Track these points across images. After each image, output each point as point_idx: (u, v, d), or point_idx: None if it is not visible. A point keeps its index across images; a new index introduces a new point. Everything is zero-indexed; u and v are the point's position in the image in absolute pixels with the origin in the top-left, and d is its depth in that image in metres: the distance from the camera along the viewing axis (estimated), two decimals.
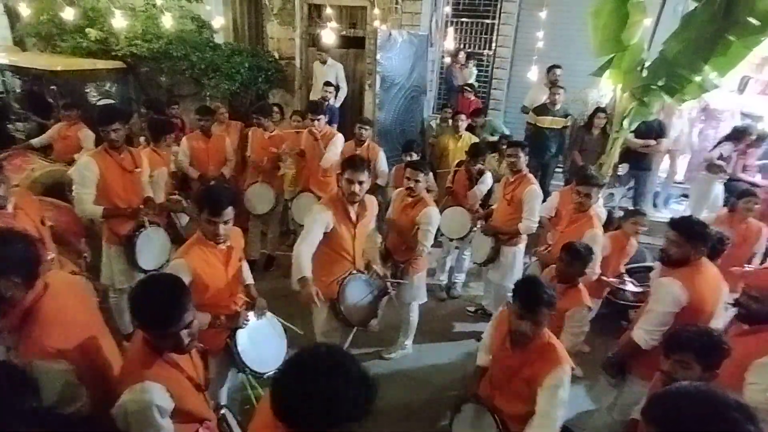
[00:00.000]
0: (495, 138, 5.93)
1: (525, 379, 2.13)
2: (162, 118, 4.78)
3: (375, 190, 4.68)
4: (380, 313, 4.03)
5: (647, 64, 4.18)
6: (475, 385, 2.42)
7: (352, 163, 2.78)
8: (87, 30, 6.39)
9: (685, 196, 6.22)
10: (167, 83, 6.96)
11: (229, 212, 2.29)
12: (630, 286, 3.82)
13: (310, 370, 1.21)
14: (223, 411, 2.07)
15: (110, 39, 6.45)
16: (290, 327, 2.73)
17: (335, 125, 5.71)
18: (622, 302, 3.91)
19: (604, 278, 3.60)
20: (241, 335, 2.43)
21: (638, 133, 5.18)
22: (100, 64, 6.52)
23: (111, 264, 3.38)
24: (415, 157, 4.47)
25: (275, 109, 5.31)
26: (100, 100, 6.32)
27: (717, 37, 3.77)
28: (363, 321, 2.95)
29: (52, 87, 5.95)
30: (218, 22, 6.12)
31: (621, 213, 5.01)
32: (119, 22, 4.94)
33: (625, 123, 4.42)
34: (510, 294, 2.18)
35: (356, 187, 2.75)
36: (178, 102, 6.09)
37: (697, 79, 3.92)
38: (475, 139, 5.40)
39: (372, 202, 3.08)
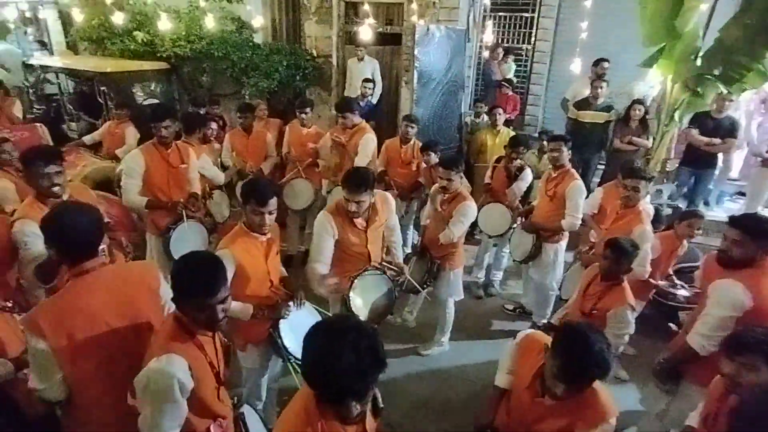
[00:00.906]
0: None
1: (557, 429, 1.78)
2: (195, 112, 4.92)
3: (419, 187, 4.65)
4: (406, 310, 4.06)
5: (702, 52, 3.94)
6: (492, 411, 2.10)
7: (347, 185, 2.66)
8: (134, 33, 6.66)
9: (741, 194, 5.85)
10: (208, 82, 7.16)
11: (274, 202, 2.34)
12: (681, 290, 3.62)
13: (322, 333, 1.36)
14: (242, 409, 2.02)
15: (155, 41, 6.70)
16: (328, 315, 2.75)
17: (372, 122, 5.71)
18: (671, 304, 3.72)
19: (653, 281, 3.41)
20: (283, 325, 2.45)
21: (706, 130, 4.79)
22: (146, 65, 6.78)
23: (153, 254, 3.51)
24: (433, 157, 4.39)
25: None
26: (145, 99, 6.55)
27: None
28: (376, 317, 2.87)
29: (102, 88, 6.22)
30: (258, 21, 6.23)
31: (669, 211, 4.79)
32: (164, 24, 5.11)
33: (677, 115, 4.19)
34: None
35: (353, 206, 2.68)
36: (219, 101, 6.25)
37: (759, 67, 3.66)
38: (511, 134, 5.28)
39: (385, 200, 3.00)
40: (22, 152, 2.65)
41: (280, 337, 2.40)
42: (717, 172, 5.97)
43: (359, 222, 2.81)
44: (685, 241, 3.51)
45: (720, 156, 5.74)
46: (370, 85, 5.87)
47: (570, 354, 1.64)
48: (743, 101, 5.38)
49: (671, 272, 3.64)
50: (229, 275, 2.24)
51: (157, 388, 1.55)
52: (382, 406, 1.65)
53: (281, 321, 2.45)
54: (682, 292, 3.58)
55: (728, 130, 4.85)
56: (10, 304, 2.09)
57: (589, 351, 1.61)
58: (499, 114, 5.25)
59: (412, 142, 4.64)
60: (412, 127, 4.61)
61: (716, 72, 3.84)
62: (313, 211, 4.91)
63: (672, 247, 3.43)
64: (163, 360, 1.56)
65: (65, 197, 2.61)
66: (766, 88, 5.05)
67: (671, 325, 3.45)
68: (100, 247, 2.13)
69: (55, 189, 2.50)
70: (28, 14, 8.18)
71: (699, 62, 3.93)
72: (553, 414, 1.78)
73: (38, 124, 5.60)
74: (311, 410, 1.41)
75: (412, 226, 5.06)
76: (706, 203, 5.79)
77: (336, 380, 1.28)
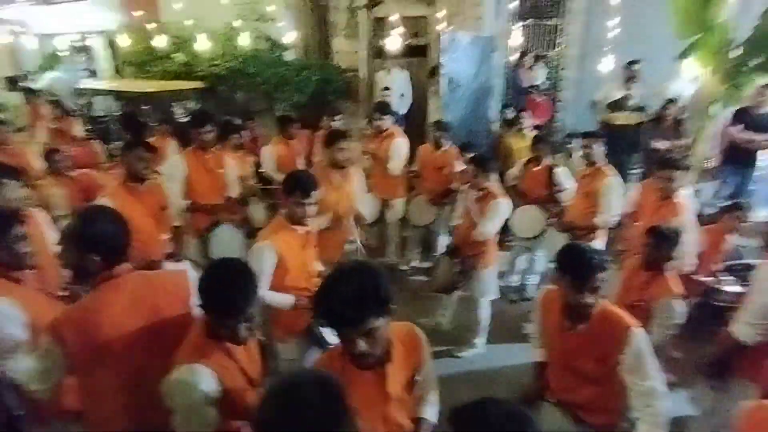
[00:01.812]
0: None
1: (594, 358, 1.92)
2: (231, 120, 5.13)
3: (450, 193, 4.67)
4: (439, 313, 4.01)
5: (740, 42, 3.83)
6: (536, 384, 2.21)
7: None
8: (174, 55, 7.03)
9: None
10: (242, 99, 7.45)
11: (316, 194, 2.42)
12: (729, 286, 3.45)
13: (336, 270, 1.45)
14: None
15: (193, 61, 7.05)
16: None
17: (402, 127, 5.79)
18: (719, 303, 3.55)
19: (697, 277, 3.28)
20: None
21: (747, 125, 4.58)
22: (184, 84, 7.13)
23: (190, 257, 3.64)
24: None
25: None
26: (184, 117, 6.87)
27: None
28: None
29: (144, 108, 6.58)
30: (289, 39, 6.47)
31: (711, 211, 4.61)
32: (201, 45, 5.41)
33: (713, 109, 4.07)
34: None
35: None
36: (253, 117, 6.49)
37: None
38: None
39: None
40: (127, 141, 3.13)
41: (319, 328, 2.44)
42: (763, 172, 5.74)
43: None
44: (728, 236, 3.38)
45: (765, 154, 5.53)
46: (388, 92, 5.95)
47: (571, 259, 1.90)
48: None
49: (717, 269, 3.50)
50: (270, 267, 2.33)
51: (181, 400, 1.53)
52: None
53: None
54: (731, 288, 3.41)
55: None
56: (66, 293, 2.20)
57: (580, 249, 1.94)
58: (524, 118, 5.24)
59: (445, 148, 4.66)
60: (443, 134, 4.66)
61: (758, 61, 3.72)
62: None
63: (716, 241, 3.31)
64: (184, 371, 1.51)
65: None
66: None
67: (720, 327, 3.28)
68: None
69: (145, 171, 2.93)
70: (78, 44, 8.80)
71: (735, 53, 3.82)
72: (587, 344, 1.92)
73: (94, 141, 5.98)
74: (337, 351, 1.53)
75: (445, 231, 5.06)
76: (753, 204, 5.53)
77: (331, 305, 1.34)
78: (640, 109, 5.26)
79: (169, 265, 2.88)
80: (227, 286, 1.54)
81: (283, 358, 2.67)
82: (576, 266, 1.86)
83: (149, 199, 2.94)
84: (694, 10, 3.77)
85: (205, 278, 1.58)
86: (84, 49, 8.81)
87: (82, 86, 7.73)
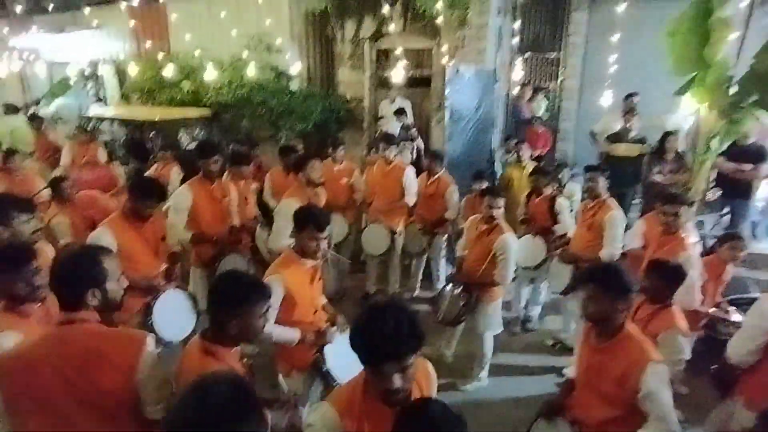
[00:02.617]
0: None
1: (613, 379, 1.97)
2: (237, 150, 5.20)
3: (444, 222, 4.69)
4: (443, 344, 3.97)
5: (736, 80, 3.94)
6: (559, 399, 2.29)
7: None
8: (182, 83, 7.17)
9: None
10: (247, 127, 7.56)
11: (330, 228, 2.45)
12: (734, 316, 3.43)
13: (369, 308, 1.46)
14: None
15: (200, 90, 7.18)
16: None
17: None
18: (723, 338, 3.52)
19: (701, 309, 3.27)
20: (328, 350, 2.47)
21: (733, 156, 4.74)
22: (191, 112, 7.25)
23: (196, 286, 3.63)
24: (486, 185, 4.45)
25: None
26: (190, 143, 6.97)
27: None
28: None
29: (150, 134, 6.68)
30: (295, 69, 6.62)
31: (711, 243, 4.63)
32: (209, 74, 5.53)
33: (713, 144, 4.14)
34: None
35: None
36: (258, 144, 6.58)
37: None
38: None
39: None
40: (135, 181, 3.18)
41: (325, 362, 2.42)
42: (764, 204, 5.79)
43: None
44: (729, 266, 3.39)
45: (765, 187, 5.60)
46: (383, 121, 6.06)
47: (595, 272, 2.05)
48: None
49: (721, 300, 3.49)
50: (278, 300, 2.33)
51: None
52: None
53: (326, 346, 2.47)
54: (736, 318, 3.39)
55: (756, 156, 4.76)
56: None
57: (609, 265, 2.15)
58: (523, 149, 5.30)
59: (437, 177, 4.70)
60: (438, 163, 4.72)
61: (752, 99, 3.82)
62: (348, 244, 4.99)
63: (717, 272, 3.32)
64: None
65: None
66: None
67: None
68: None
69: (150, 217, 2.95)
70: (87, 72, 8.99)
71: (733, 90, 3.91)
72: (609, 363, 1.99)
73: (114, 165, 6.08)
74: (358, 388, 1.51)
75: (443, 260, 5.06)
76: (754, 236, 5.56)
77: (374, 341, 1.35)
78: (640, 140, 5.34)
79: (168, 288, 2.91)
80: (239, 282, 1.75)
81: (287, 392, 2.64)
82: (617, 284, 1.96)
83: (149, 229, 2.93)
84: (692, 48, 3.88)
85: (217, 283, 1.76)
86: (93, 77, 8.99)
87: (90, 113, 7.85)
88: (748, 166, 4.79)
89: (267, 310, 1.77)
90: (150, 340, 1.64)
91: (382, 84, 7.38)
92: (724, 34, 3.73)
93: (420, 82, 7.32)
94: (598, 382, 2.05)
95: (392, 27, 5.96)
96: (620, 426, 1.99)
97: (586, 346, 2.14)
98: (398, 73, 4.85)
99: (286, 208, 3.11)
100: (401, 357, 1.36)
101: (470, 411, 3.47)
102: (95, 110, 7.99)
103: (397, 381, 1.37)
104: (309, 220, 2.40)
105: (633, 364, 1.92)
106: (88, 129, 6.83)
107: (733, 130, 3.99)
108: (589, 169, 3.85)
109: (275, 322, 2.37)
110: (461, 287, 3.58)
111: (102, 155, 6.23)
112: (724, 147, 4.29)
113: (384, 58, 7.41)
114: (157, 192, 2.94)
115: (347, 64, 7.35)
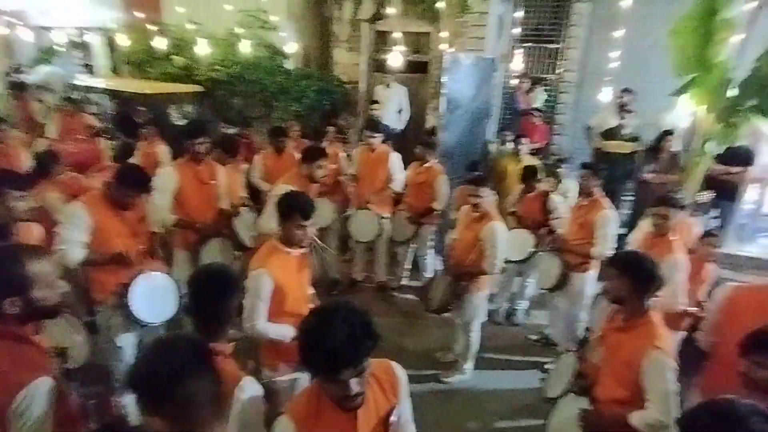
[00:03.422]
0: None
1: (625, 361, 2.09)
2: (233, 135, 5.07)
3: (431, 212, 4.65)
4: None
5: (736, 83, 3.90)
6: (590, 376, 2.37)
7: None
8: (173, 57, 6.98)
9: None
10: (239, 105, 7.41)
11: (314, 216, 2.38)
12: None
13: (316, 311, 1.44)
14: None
15: (193, 65, 7.00)
16: None
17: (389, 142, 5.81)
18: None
19: (684, 308, 3.28)
20: None
21: (722, 158, 4.77)
22: (182, 87, 7.07)
23: (179, 269, 3.56)
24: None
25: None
26: (180, 120, 6.81)
27: None
28: None
29: (139, 109, 6.51)
30: (290, 48, 6.47)
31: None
32: (202, 49, 5.37)
33: (708, 147, 4.12)
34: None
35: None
36: (251, 123, 6.45)
37: None
38: (532, 162, 5.27)
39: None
40: (122, 169, 2.91)
41: None
42: (752, 206, 5.84)
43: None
44: (710, 266, 3.41)
45: (756, 191, 5.63)
46: (377, 106, 5.95)
47: (643, 264, 2.14)
48: None
49: (704, 300, 3.50)
50: (267, 294, 2.28)
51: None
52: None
53: None
54: None
55: (744, 159, 4.82)
56: None
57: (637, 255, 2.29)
58: (523, 143, 5.26)
59: (428, 166, 4.64)
60: (429, 151, 4.66)
61: (751, 103, 3.79)
62: (332, 231, 4.93)
63: (696, 270, 3.32)
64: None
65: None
66: None
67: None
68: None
69: (131, 206, 2.81)
70: (76, 39, 8.71)
71: (732, 93, 3.88)
72: (624, 345, 2.12)
73: (101, 139, 5.90)
74: (313, 398, 1.47)
75: (431, 250, 5.04)
76: (741, 238, 5.61)
77: (328, 349, 1.29)
78: (634, 138, 5.32)
79: (149, 269, 2.83)
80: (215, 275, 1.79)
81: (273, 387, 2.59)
82: (646, 275, 2.11)
83: (128, 211, 2.81)
84: (694, 49, 3.82)
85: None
86: (81, 45, 8.71)
87: (77, 82, 7.62)
88: (736, 169, 4.82)
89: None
90: (46, 382, 1.46)
91: (378, 67, 7.25)
92: (726, 36, 3.67)
93: (417, 68, 7.20)
94: (613, 361, 2.19)
95: (391, 9, 5.81)
96: (627, 407, 2.08)
97: (611, 327, 2.28)
98: (396, 57, 4.74)
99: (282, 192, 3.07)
100: (358, 361, 1.33)
101: (452, 404, 3.52)
102: (83, 80, 7.76)
103: (355, 386, 1.35)
104: (295, 208, 2.34)
105: (640, 347, 2.04)
106: (75, 99, 6.65)
107: (730, 133, 3.97)
108: (584, 166, 3.81)
109: (268, 317, 2.32)
110: (449, 275, 3.56)
111: (93, 121, 6.07)
112: (720, 150, 4.27)
113: (382, 41, 7.26)
114: (141, 183, 2.81)
115: (344, 46, 7.20)
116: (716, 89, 3.87)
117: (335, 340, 1.29)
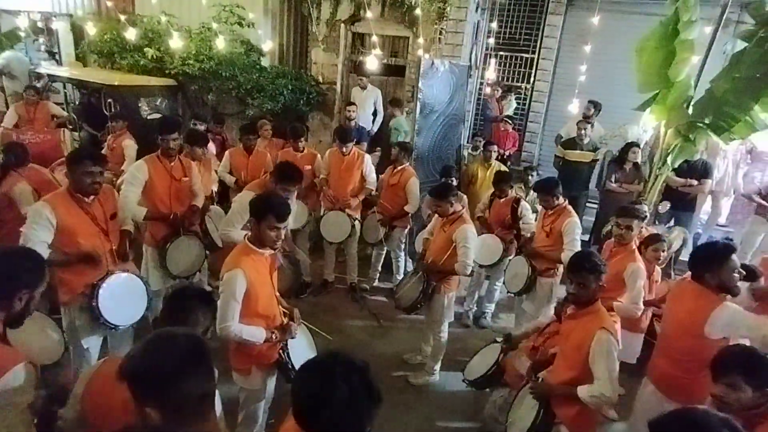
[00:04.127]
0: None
1: (576, 344, 2.30)
2: (199, 130, 4.97)
3: (404, 215, 4.71)
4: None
5: (693, 101, 4.13)
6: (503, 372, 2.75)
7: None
8: (145, 49, 6.80)
9: (729, 239, 5.97)
10: (213, 101, 7.29)
11: (289, 218, 2.38)
12: None
13: (311, 370, 1.26)
14: None
15: (165, 58, 6.84)
16: (321, 333, 2.77)
17: (364, 144, 5.86)
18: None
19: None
20: (291, 345, 2.46)
21: (681, 172, 5.04)
22: (154, 80, 6.90)
23: (147, 265, 3.50)
24: (455, 181, 4.49)
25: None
26: (150, 114, 6.64)
27: (767, 77, 3.72)
28: None
29: (108, 100, 6.31)
30: (267, 46, 6.41)
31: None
32: (176, 42, 5.24)
33: (669, 159, 4.34)
34: None
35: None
36: (224, 120, 6.35)
37: (746, 118, 3.85)
38: (503, 168, 5.42)
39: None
40: (70, 152, 2.85)
41: (290, 359, 2.40)
42: (706, 217, 6.18)
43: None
44: (659, 268, 3.61)
45: (708, 202, 5.97)
46: (353, 107, 5.96)
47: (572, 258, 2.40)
48: (731, 151, 5.61)
49: (652, 300, 3.67)
50: (240, 294, 2.27)
51: None
52: None
53: (289, 341, 2.45)
54: None
55: (701, 172, 5.09)
56: None
57: (585, 253, 2.51)
58: (493, 150, 5.39)
59: (402, 169, 4.69)
60: (404, 154, 4.72)
61: (707, 121, 4.02)
62: (304, 232, 4.91)
63: (647, 273, 3.50)
64: None
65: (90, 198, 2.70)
66: (752, 138, 5.28)
67: None
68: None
69: (95, 186, 2.62)
70: (40, 24, 8.35)
71: (691, 110, 4.11)
72: (573, 330, 2.34)
73: (63, 129, 5.66)
74: None
75: (404, 254, 5.10)
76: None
77: (331, 420, 1.17)
78: (594, 149, 5.58)
79: (118, 270, 2.77)
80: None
81: (243, 389, 2.57)
82: (571, 262, 2.39)
83: (97, 206, 2.70)
84: (656, 68, 4.02)
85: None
86: (46, 31, 8.36)
87: (41, 70, 7.32)
88: (694, 182, 5.10)
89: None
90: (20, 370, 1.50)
91: (356, 69, 7.27)
92: (686, 56, 3.89)
93: (394, 71, 7.26)
94: (565, 346, 2.41)
95: (370, 12, 5.85)
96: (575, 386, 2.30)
97: (563, 316, 2.51)
98: (372, 61, 4.77)
99: (247, 199, 3.00)
100: (365, 426, 1.20)
101: (420, 403, 3.57)
102: (47, 68, 7.46)
103: None
104: (269, 210, 2.32)
105: (590, 330, 2.25)
106: (38, 88, 6.39)
107: (688, 148, 4.20)
108: (536, 189, 3.98)
109: (240, 319, 2.31)
110: (420, 275, 3.63)
111: (55, 109, 5.84)
112: (677, 164, 4.51)
113: (359, 42, 7.29)
114: (93, 156, 2.65)
115: (321, 46, 7.18)
116: (676, 106, 4.09)
117: (337, 409, 1.16)
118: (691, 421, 1.25)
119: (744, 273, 2.48)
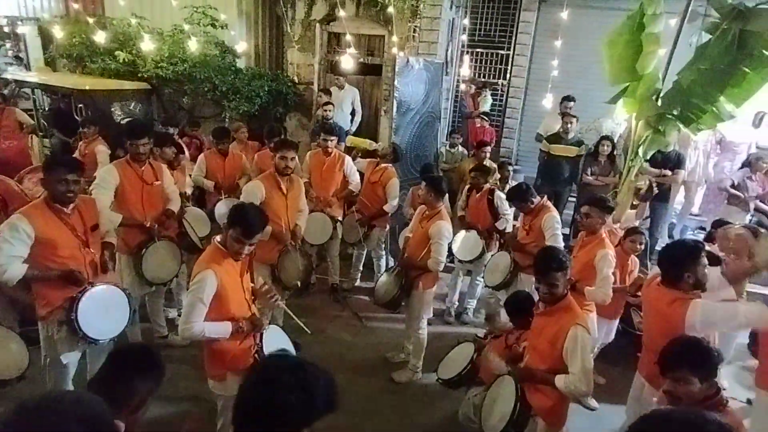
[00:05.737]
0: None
1: (548, 337, 2.35)
2: (164, 132, 4.91)
3: (383, 215, 4.71)
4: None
5: (662, 93, 4.21)
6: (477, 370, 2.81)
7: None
8: (116, 52, 6.66)
9: (702, 228, 6.13)
10: (189, 104, 7.18)
11: (259, 236, 2.34)
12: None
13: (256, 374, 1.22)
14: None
15: (137, 61, 6.70)
16: (300, 324, 2.74)
17: (343, 144, 5.84)
18: (639, 332, 3.81)
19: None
20: (265, 343, 2.42)
21: (655, 163, 5.15)
22: (126, 84, 6.76)
23: (122, 273, 3.42)
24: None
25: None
26: (124, 119, 6.51)
27: (731, 68, 3.82)
28: None
29: (79, 105, 6.16)
30: (241, 47, 6.34)
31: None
32: (147, 45, 5.15)
33: (641, 151, 4.43)
34: None
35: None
36: (200, 123, 6.26)
37: (712, 109, 3.94)
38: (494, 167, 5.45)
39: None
40: (45, 159, 2.80)
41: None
42: (680, 207, 6.33)
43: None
44: (634, 258, 3.68)
45: (681, 192, 6.11)
46: (330, 107, 5.95)
47: (539, 259, 2.41)
48: (701, 141, 5.74)
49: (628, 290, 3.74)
50: (210, 296, 2.25)
51: None
52: None
53: (264, 338, 2.42)
54: None
55: (675, 163, 5.25)
56: None
57: (550, 252, 2.46)
58: (485, 152, 5.34)
59: (384, 167, 4.69)
60: (392, 155, 4.73)
61: (675, 112, 4.11)
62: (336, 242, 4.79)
63: (622, 262, 3.57)
64: None
65: (69, 208, 2.63)
66: (720, 129, 5.43)
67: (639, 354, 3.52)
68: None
69: (70, 195, 2.55)
70: (6, 29, 8.12)
71: (660, 102, 4.19)
72: (547, 325, 2.39)
73: (31, 135, 5.51)
74: None
75: (385, 253, 5.10)
76: (671, 237, 6.05)
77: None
78: (578, 143, 5.64)
79: (99, 282, 2.70)
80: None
81: (219, 396, 2.52)
82: (539, 264, 2.41)
83: (76, 217, 2.64)
84: (625, 61, 4.09)
85: None
86: (13, 36, 8.13)
87: (7, 76, 7.11)
88: (668, 172, 5.22)
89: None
90: None
91: (332, 69, 7.24)
92: (653, 49, 3.96)
93: (371, 70, 7.25)
94: (537, 341, 2.45)
95: (344, 12, 5.83)
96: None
97: (536, 313, 2.54)
98: (348, 60, 4.75)
99: (252, 188, 3.50)
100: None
101: (402, 400, 3.57)
102: (15, 74, 7.25)
103: None
104: (240, 222, 2.28)
105: (564, 326, 2.29)
106: (5, 94, 6.21)
107: (658, 139, 4.28)
108: (509, 199, 4.06)
109: (207, 319, 2.28)
110: (399, 271, 3.64)
111: (22, 116, 5.69)
112: (650, 155, 4.60)
113: (335, 41, 7.26)
114: (68, 164, 2.60)
115: (297, 46, 7.13)
116: (645, 98, 4.16)
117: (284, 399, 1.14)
118: (688, 422, 1.19)
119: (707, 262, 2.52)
